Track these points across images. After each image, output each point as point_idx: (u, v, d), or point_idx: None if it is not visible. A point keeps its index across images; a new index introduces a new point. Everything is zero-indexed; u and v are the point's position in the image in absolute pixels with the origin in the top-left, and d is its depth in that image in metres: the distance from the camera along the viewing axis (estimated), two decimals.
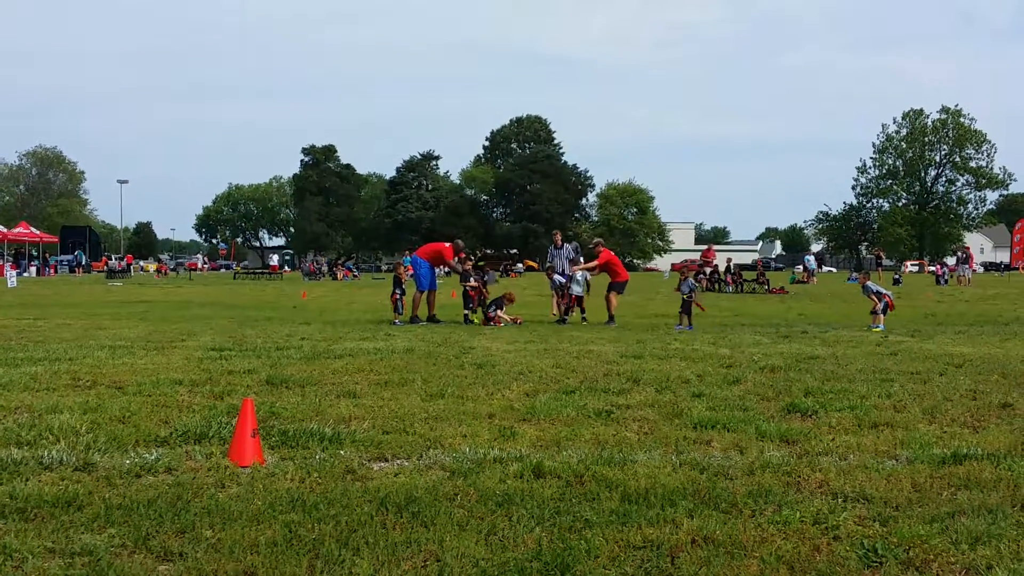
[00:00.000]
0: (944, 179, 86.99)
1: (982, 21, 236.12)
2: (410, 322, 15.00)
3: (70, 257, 60.64)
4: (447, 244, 16.14)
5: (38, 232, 63.44)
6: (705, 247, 43.58)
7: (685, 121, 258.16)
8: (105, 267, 55.98)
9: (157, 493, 4.16)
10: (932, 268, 56.56)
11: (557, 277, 16.52)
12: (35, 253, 60.43)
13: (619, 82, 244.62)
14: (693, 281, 15.20)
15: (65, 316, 16.49)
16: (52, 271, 54.60)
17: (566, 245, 17.64)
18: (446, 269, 17.42)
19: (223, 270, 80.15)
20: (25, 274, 48.10)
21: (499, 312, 14.88)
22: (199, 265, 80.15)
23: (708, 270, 32.52)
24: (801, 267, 49.37)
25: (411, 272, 16.57)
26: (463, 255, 17.66)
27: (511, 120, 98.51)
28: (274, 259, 63.03)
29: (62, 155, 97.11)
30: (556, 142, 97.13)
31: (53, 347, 10.18)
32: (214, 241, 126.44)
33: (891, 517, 3.89)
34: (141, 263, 75.47)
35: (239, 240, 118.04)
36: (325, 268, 52.12)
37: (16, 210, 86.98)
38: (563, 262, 16.88)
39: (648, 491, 4.23)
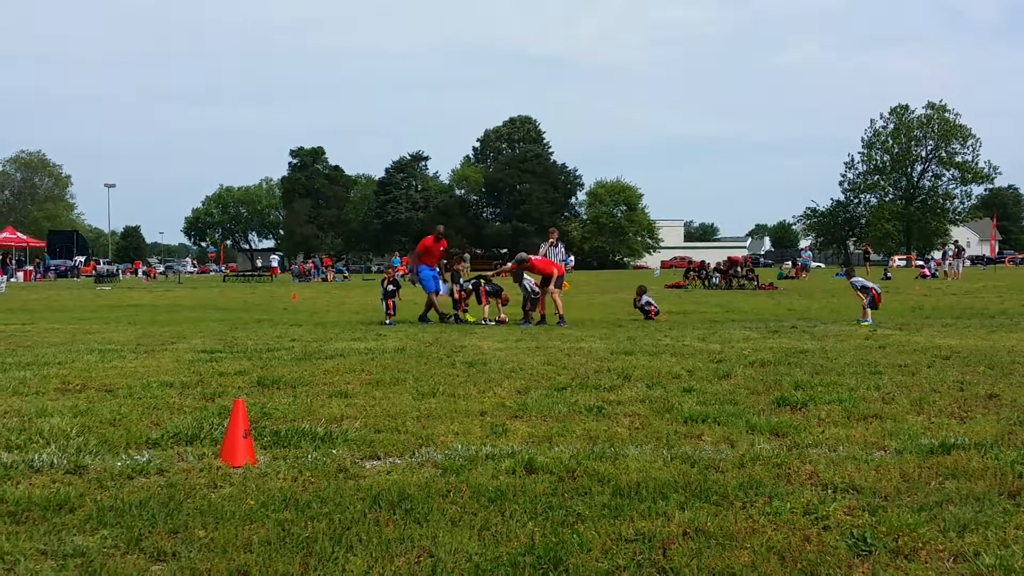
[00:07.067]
0: (930, 174, 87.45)
1: (970, 20, 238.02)
2: (440, 321, 14.96)
3: (59, 262, 60.23)
4: (428, 236, 15.78)
5: (24, 237, 63.15)
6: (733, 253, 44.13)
7: (674, 119, 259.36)
8: (94, 271, 55.62)
9: (149, 494, 4.15)
10: (919, 263, 56.80)
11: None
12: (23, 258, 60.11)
13: (608, 82, 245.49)
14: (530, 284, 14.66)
15: (54, 321, 16.41)
16: (40, 277, 54.27)
17: (560, 244, 17.53)
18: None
19: (212, 272, 79.78)
20: (12, 279, 47.79)
21: (492, 297, 14.89)
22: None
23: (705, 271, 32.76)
24: (790, 263, 49.66)
25: (402, 273, 16.50)
26: (455, 258, 17.62)
27: (503, 122, 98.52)
28: (273, 261, 61.68)
29: (47, 159, 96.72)
30: (545, 142, 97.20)
31: (42, 351, 10.14)
32: (203, 244, 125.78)
33: (880, 507, 3.93)
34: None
35: (228, 243, 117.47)
36: (315, 271, 51.59)
37: (2, 215, 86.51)
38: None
39: (640, 485, 4.25)
